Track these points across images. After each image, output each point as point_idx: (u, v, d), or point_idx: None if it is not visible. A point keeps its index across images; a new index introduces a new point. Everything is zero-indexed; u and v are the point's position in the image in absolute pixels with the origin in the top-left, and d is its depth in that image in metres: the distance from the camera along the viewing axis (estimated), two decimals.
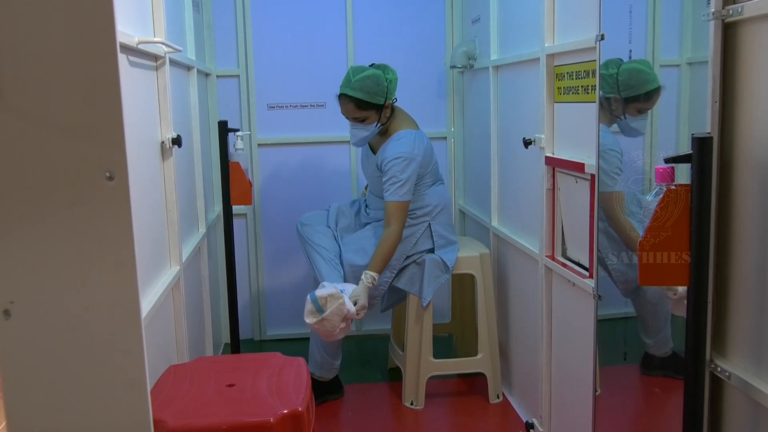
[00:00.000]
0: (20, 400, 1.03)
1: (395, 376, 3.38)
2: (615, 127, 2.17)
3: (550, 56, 2.50)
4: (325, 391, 3.19)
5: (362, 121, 3.01)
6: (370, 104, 2.98)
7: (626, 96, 2.11)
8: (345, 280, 3.00)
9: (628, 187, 2.10)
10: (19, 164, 0.99)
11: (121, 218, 1.01)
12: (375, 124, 3.02)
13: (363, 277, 2.89)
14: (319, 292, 2.79)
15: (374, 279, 2.89)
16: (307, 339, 3.93)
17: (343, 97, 3.01)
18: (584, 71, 2.24)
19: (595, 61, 2.11)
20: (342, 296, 2.78)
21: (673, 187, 1.44)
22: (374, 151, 3.14)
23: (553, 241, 2.56)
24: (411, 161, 2.96)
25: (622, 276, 2.22)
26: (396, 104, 3.12)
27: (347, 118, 3.05)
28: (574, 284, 2.33)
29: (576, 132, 2.35)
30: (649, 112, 2.15)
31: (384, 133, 3.09)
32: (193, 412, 1.77)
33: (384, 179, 2.98)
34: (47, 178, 0.99)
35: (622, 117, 2.11)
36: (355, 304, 2.83)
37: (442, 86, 3.94)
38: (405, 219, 2.98)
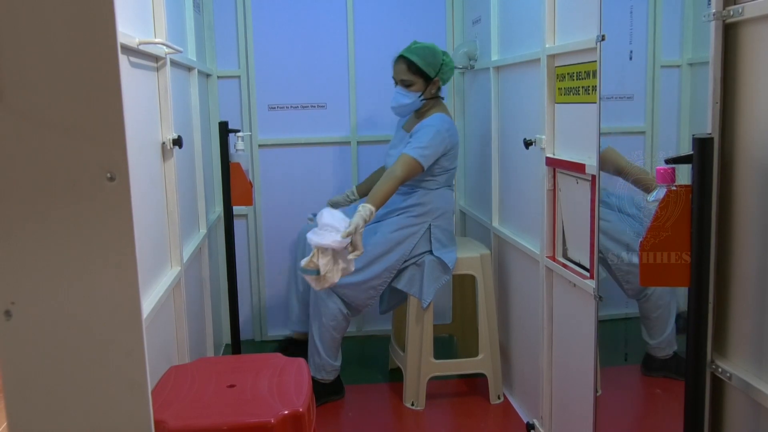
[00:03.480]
0: (21, 401, 1.03)
1: (396, 376, 3.38)
2: None
3: (551, 57, 2.50)
4: (326, 392, 3.19)
5: (408, 86, 3.09)
6: (420, 71, 3.08)
7: None
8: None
9: (629, 187, 2.10)
10: (20, 165, 0.99)
11: (122, 219, 1.01)
12: (419, 94, 3.09)
13: (361, 208, 2.80)
14: (304, 262, 2.69)
15: (372, 212, 2.82)
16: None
17: (398, 59, 3.13)
18: (585, 72, 2.24)
19: (595, 61, 2.11)
20: (327, 250, 2.66)
21: (673, 188, 1.44)
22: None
23: (553, 241, 2.56)
24: (439, 135, 3.01)
25: (626, 276, 2.22)
26: (443, 101, 3.21)
27: (396, 80, 3.14)
28: (574, 285, 2.33)
29: (577, 133, 2.35)
30: (651, 112, 2.16)
31: (419, 118, 3.15)
32: (193, 412, 1.77)
33: (414, 139, 3.02)
34: (48, 179, 0.99)
35: None
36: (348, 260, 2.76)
37: (443, 87, 3.94)
38: (410, 176, 2.99)
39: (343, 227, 2.68)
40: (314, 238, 2.68)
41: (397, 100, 3.13)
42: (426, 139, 2.98)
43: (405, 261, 3.09)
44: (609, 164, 2.17)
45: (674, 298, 2.25)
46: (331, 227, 2.68)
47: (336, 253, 2.68)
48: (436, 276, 3.08)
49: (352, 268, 2.77)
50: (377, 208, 2.86)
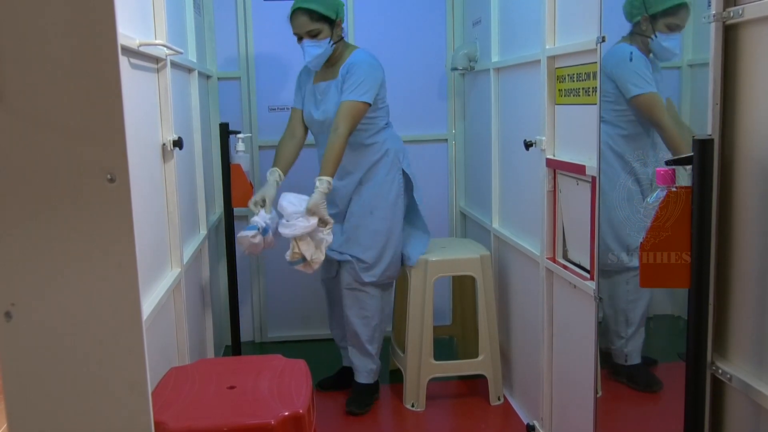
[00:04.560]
0: (21, 402, 1.03)
1: (396, 377, 3.38)
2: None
3: (551, 58, 2.50)
4: (372, 391, 3.22)
5: (315, 36, 2.97)
6: (323, 17, 2.95)
7: (653, 12, 2.11)
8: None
9: (628, 187, 2.10)
10: (21, 166, 0.99)
11: (122, 220, 1.01)
12: (328, 40, 2.98)
13: (318, 183, 2.82)
14: (288, 255, 2.75)
15: (329, 183, 2.83)
16: (309, 341, 3.94)
17: (296, 12, 2.97)
18: (585, 73, 2.24)
19: (596, 63, 2.11)
20: (305, 236, 2.72)
21: (674, 189, 1.44)
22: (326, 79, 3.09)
23: (554, 243, 2.56)
24: (372, 67, 2.98)
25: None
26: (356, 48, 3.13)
27: (300, 35, 2.99)
28: (575, 286, 2.33)
29: (577, 134, 2.35)
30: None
31: (334, 63, 3.06)
32: (194, 414, 1.77)
33: (348, 83, 2.95)
34: (49, 180, 0.99)
35: (653, 37, 2.10)
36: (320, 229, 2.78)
37: (443, 88, 3.94)
38: (356, 124, 2.94)
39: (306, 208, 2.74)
40: (287, 231, 2.72)
41: (310, 53, 2.98)
42: (362, 76, 2.94)
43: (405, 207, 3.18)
44: (648, 113, 2.15)
45: (634, 307, 2.28)
46: (297, 213, 2.72)
47: (311, 234, 2.75)
48: (419, 238, 3.19)
49: (330, 239, 2.82)
50: (332, 176, 2.86)
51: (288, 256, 2.76)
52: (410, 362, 3.12)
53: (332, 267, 3.20)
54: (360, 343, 3.14)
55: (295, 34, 3.02)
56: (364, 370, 3.17)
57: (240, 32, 3.77)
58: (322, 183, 2.83)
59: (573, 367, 2.43)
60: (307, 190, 3.84)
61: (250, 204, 2.95)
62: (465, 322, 3.60)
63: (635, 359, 2.36)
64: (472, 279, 3.26)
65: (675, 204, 1.45)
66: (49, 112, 0.98)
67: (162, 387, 1.92)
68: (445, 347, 3.70)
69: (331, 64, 3.07)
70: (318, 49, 2.98)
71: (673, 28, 2.10)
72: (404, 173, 3.15)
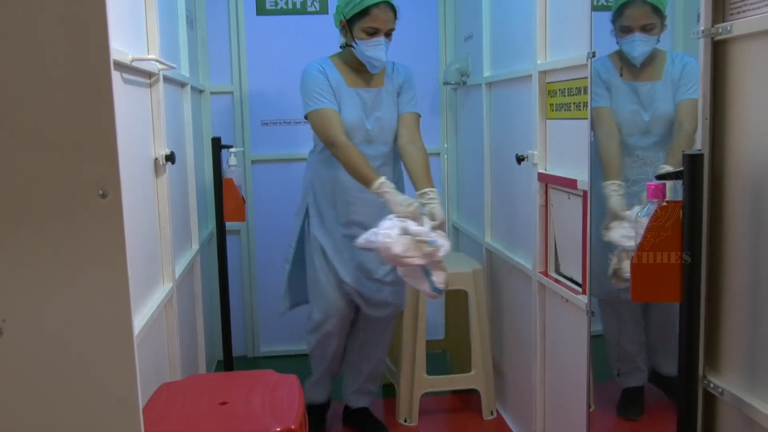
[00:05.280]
0: (11, 418, 1.03)
1: (389, 392, 3.36)
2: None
3: (542, 73, 2.52)
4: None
5: (389, 35, 2.80)
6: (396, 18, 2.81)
7: (613, 17, 2.15)
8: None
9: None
10: (13, 181, 0.99)
11: (114, 235, 1.01)
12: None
13: (433, 195, 2.60)
14: (442, 284, 2.46)
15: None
16: (301, 356, 3.92)
17: (385, 6, 2.73)
18: (576, 88, 2.25)
19: (586, 78, 2.12)
20: (435, 242, 2.42)
21: (664, 204, 1.45)
22: (358, 85, 2.88)
23: (546, 257, 2.57)
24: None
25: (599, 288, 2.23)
26: None
27: (381, 31, 2.75)
28: (567, 300, 2.34)
29: (568, 148, 2.36)
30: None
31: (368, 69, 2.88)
32: (185, 430, 1.76)
33: (410, 94, 2.90)
34: (41, 196, 0.99)
35: (617, 43, 2.13)
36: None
37: (435, 103, 3.96)
38: None
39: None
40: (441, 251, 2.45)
41: (386, 53, 2.79)
42: (415, 89, 2.93)
43: None
44: (595, 126, 2.16)
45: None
46: (428, 232, 2.44)
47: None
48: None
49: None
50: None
51: (442, 284, 2.45)
52: (403, 377, 3.11)
53: (338, 321, 2.93)
54: (374, 369, 3.07)
55: (372, 27, 2.74)
56: (370, 395, 3.10)
57: (233, 47, 3.78)
58: (436, 193, 2.64)
59: (566, 381, 2.43)
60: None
61: (419, 214, 2.53)
62: (458, 337, 3.59)
63: (625, 382, 2.37)
64: (465, 293, 3.26)
65: (666, 217, 1.45)
66: (41, 127, 0.98)
67: (153, 403, 1.91)
68: (437, 362, 3.69)
69: (366, 69, 2.86)
70: (387, 49, 2.82)
71: (626, 30, 2.11)
72: None
